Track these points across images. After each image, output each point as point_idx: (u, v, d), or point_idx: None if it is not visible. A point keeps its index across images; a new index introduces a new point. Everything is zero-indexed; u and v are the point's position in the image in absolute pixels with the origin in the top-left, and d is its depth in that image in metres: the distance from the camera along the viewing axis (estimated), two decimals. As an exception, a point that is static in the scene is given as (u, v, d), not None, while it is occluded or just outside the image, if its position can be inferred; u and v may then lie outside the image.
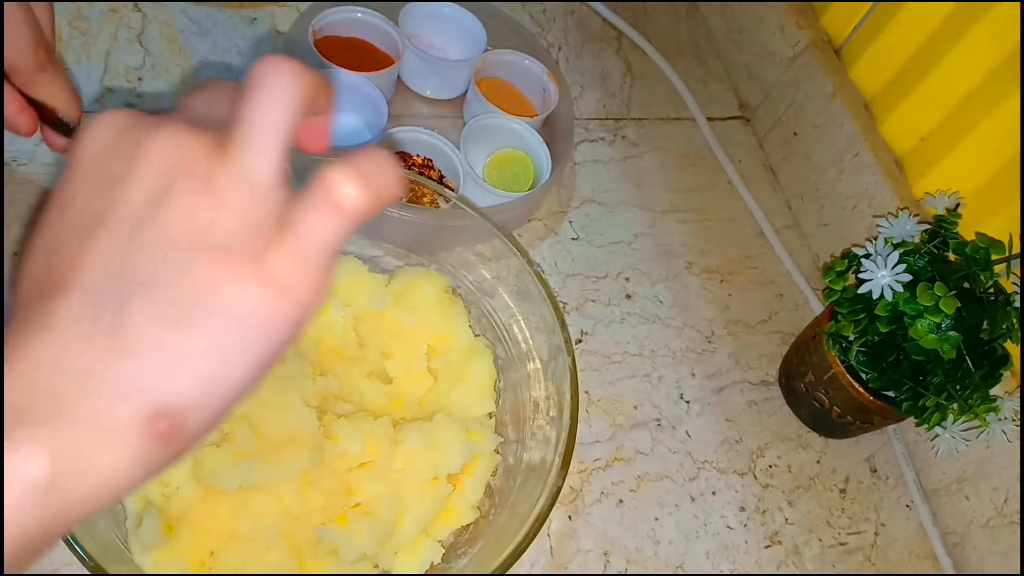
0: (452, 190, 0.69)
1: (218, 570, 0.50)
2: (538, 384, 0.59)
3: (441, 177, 0.70)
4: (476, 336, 0.62)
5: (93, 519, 0.48)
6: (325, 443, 0.52)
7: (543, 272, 0.71)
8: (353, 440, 0.52)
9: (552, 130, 0.76)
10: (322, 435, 0.52)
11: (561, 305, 0.70)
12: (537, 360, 0.59)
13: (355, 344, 0.59)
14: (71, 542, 0.44)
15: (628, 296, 0.73)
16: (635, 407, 0.67)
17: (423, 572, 0.53)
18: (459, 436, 0.55)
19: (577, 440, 0.64)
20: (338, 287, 0.59)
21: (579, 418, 0.65)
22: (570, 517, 0.61)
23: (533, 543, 0.59)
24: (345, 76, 0.69)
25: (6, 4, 0.38)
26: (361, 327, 0.60)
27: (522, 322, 0.61)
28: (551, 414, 0.56)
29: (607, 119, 0.84)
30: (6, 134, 0.64)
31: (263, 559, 0.50)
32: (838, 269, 0.61)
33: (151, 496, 0.51)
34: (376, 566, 0.53)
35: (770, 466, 0.68)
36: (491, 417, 0.60)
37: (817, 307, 0.78)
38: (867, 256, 0.58)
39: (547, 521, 0.50)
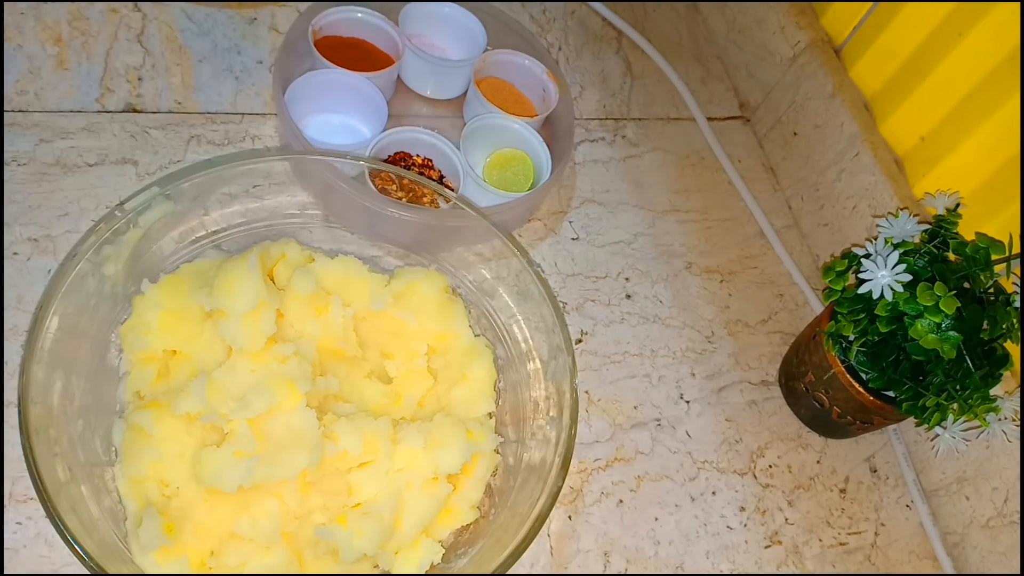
0: (452, 190, 0.69)
1: (218, 570, 0.50)
2: (538, 384, 0.59)
3: (441, 177, 0.70)
4: (476, 336, 0.62)
5: (93, 519, 0.48)
6: (325, 443, 0.52)
7: (543, 272, 0.71)
8: (353, 440, 0.52)
9: (552, 130, 0.76)
10: (322, 435, 0.52)
11: (561, 305, 0.70)
12: (537, 360, 0.59)
13: (355, 344, 0.59)
14: (71, 542, 0.44)
15: (628, 296, 0.73)
16: (635, 407, 0.67)
17: (423, 572, 0.53)
18: (459, 436, 0.54)
19: (577, 440, 0.64)
20: (338, 287, 0.59)
21: (579, 418, 0.65)
22: (570, 517, 0.61)
23: (533, 543, 0.59)
24: (345, 76, 0.69)
25: None
26: (361, 327, 0.60)
27: (522, 322, 0.61)
28: (551, 414, 0.56)
29: (607, 119, 0.84)
30: (6, 133, 0.64)
31: (263, 559, 0.50)
32: (838, 269, 0.61)
33: (151, 496, 0.51)
34: (376, 566, 0.53)
35: (770, 466, 0.68)
36: (491, 417, 0.60)
37: (817, 307, 0.78)
38: (867, 256, 0.58)
39: (547, 521, 0.50)
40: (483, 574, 0.49)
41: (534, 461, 0.55)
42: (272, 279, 0.58)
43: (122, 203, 0.53)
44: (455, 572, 0.53)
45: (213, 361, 0.54)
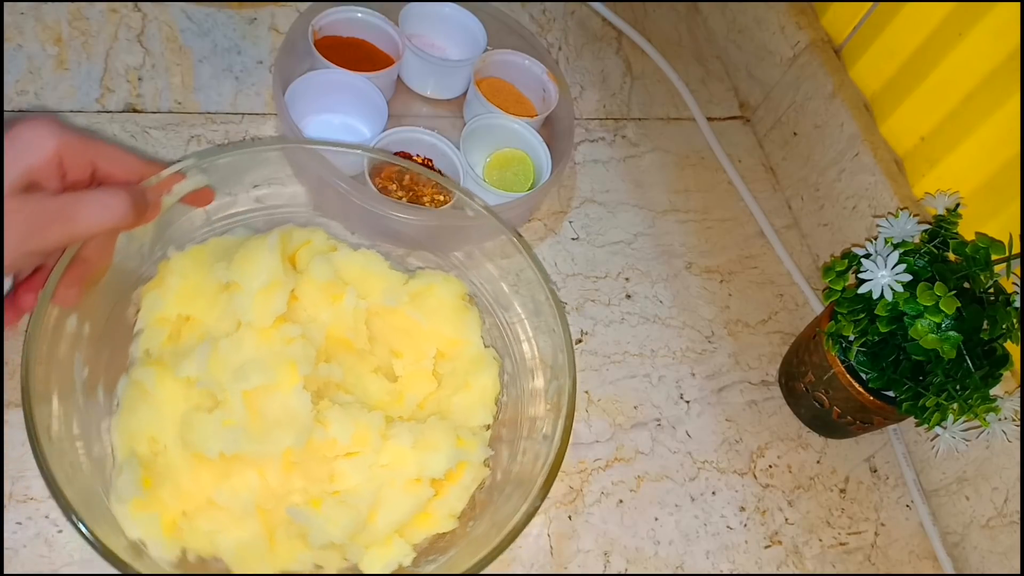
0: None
1: (189, 534, 0.50)
2: (539, 403, 0.58)
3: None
4: (486, 347, 0.61)
5: (79, 463, 0.49)
6: (315, 427, 0.52)
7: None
8: (343, 428, 0.52)
9: (552, 130, 0.76)
10: (313, 418, 0.52)
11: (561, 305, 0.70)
12: (541, 379, 0.59)
13: (365, 337, 0.59)
14: (51, 484, 0.44)
15: (628, 296, 0.73)
16: (635, 407, 0.67)
17: (390, 572, 0.52)
18: (448, 441, 0.54)
19: (577, 440, 0.64)
20: (356, 279, 0.59)
21: (579, 418, 0.65)
22: (570, 517, 0.61)
23: (533, 543, 0.59)
24: (345, 76, 0.69)
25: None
26: (374, 321, 0.60)
27: (532, 339, 0.61)
28: (545, 432, 0.55)
29: (607, 119, 0.84)
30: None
31: (234, 530, 0.50)
32: (838, 269, 0.61)
33: (140, 450, 0.51)
34: (346, 559, 0.52)
35: (770, 466, 0.68)
36: (487, 429, 0.59)
37: (817, 307, 0.78)
38: (867, 256, 0.58)
39: (525, 529, 0.50)
40: (446, 574, 0.49)
41: (521, 478, 0.55)
42: (294, 263, 0.59)
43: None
44: (419, 574, 0.53)
45: (223, 332, 0.55)
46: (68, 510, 0.44)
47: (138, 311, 0.56)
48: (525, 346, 0.61)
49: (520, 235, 0.61)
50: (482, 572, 0.49)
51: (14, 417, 0.54)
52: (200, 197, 0.56)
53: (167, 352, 0.54)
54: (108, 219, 0.47)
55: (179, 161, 0.55)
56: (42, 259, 0.51)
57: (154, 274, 0.57)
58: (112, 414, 0.53)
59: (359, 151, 0.65)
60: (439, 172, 0.70)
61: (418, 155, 0.70)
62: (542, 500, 0.51)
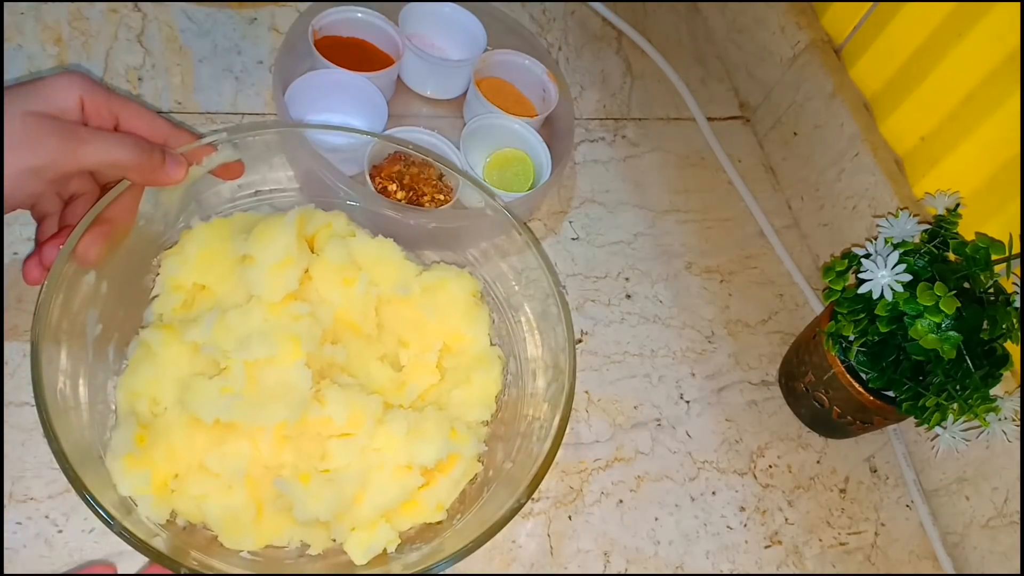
0: (451, 189, 0.69)
1: (179, 496, 0.51)
2: (539, 403, 0.58)
3: (440, 176, 0.70)
4: (492, 345, 0.62)
5: (82, 422, 0.50)
6: (312, 404, 0.52)
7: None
8: (339, 408, 0.52)
9: (552, 130, 0.76)
10: (311, 396, 0.52)
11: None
12: (542, 380, 0.59)
13: (373, 324, 0.59)
14: (48, 429, 0.45)
15: (628, 296, 0.73)
16: (635, 407, 0.67)
17: (374, 555, 0.53)
18: (441, 433, 0.54)
19: (577, 440, 0.64)
20: (370, 265, 0.60)
21: (580, 418, 0.65)
22: (570, 517, 0.61)
23: (533, 542, 0.59)
24: (345, 76, 0.69)
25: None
26: (384, 309, 0.60)
27: (539, 341, 0.61)
28: (540, 435, 0.56)
29: (607, 119, 0.84)
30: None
31: (223, 497, 0.51)
32: (838, 269, 0.61)
33: (139, 408, 0.52)
34: (332, 539, 0.53)
35: (770, 466, 0.68)
36: (485, 425, 0.59)
37: (817, 307, 0.78)
38: (867, 256, 0.58)
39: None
40: (411, 573, 0.49)
41: (512, 476, 0.55)
42: (312, 245, 0.59)
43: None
44: (402, 566, 0.53)
45: (234, 303, 0.56)
46: (60, 457, 0.44)
47: (157, 276, 0.57)
48: (531, 347, 0.61)
49: (529, 229, 0.61)
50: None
51: (14, 417, 0.54)
52: (230, 170, 0.58)
53: (178, 318, 0.56)
54: (115, 155, 0.49)
55: (212, 133, 0.56)
56: (55, 188, 0.52)
57: (177, 241, 0.58)
58: (119, 373, 0.54)
59: (392, 141, 0.66)
60: (440, 174, 0.70)
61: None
62: (527, 497, 0.51)
